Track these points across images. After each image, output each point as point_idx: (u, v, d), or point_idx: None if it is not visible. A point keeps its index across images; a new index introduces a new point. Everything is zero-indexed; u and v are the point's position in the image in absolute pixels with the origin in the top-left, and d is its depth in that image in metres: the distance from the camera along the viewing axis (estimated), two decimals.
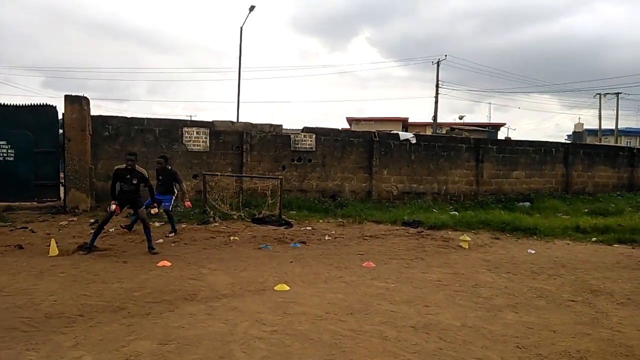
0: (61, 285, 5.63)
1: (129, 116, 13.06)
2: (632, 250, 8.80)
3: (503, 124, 48.20)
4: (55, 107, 11.35)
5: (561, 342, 4.26)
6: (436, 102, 36.61)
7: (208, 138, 13.28)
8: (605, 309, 5.25)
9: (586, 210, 13.99)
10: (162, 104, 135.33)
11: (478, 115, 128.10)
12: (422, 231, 10.27)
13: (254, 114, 66.03)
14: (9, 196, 10.93)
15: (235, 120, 24.12)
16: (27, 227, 9.38)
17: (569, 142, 19.18)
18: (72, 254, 7.37)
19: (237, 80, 26.41)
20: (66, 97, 11.16)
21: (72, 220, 10.22)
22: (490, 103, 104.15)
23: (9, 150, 10.83)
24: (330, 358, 3.77)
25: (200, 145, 13.20)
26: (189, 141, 13.11)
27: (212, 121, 13.61)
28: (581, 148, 18.78)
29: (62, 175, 11.55)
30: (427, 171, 15.78)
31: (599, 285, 6.20)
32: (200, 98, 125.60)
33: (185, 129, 13.17)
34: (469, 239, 9.00)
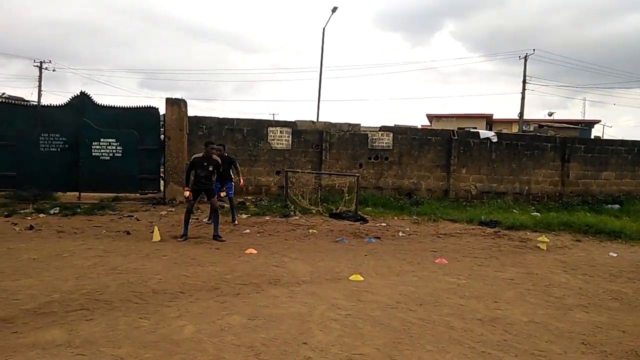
0: (165, 267, 6.49)
1: (220, 117, 14.16)
2: None
3: (598, 121, 45.06)
4: (158, 109, 12.64)
5: (629, 342, 4.33)
6: (523, 99, 35.22)
7: (290, 137, 14.04)
8: None
9: None
10: (247, 102, 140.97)
11: (572, 111, 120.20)
12: (499, 231, 10.24)
13: (335, 112, 67.31)
14: (117, 188, 12.34)
15: (315, 119, 24.94)
16: (132, 216, 10.60)
17: None
18: (173, 239, 8.33)
19: (319, 81, 27.17)
20: (167, 99, 12.41)
21: (171, 211, 11.37)
22: (584, 98, 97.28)
23: (117, 148, 12.23)
24: (398, 341, 4.16)
25: (283, 144, 14.00)
26: (273, 140, 13.95)
27: (295, 121, 14.35)
28: None
29: (161, 170, 12.84)
30: (508, 170, 15.46)
31: None
32: (281, 97, 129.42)
33: (270, 128, 14.02)
34: (547, 240, 8.90)
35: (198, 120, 13.50)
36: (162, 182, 12.81)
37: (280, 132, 13.99)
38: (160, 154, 12.70)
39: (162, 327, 4.29)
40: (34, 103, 30.95)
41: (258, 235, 9.16)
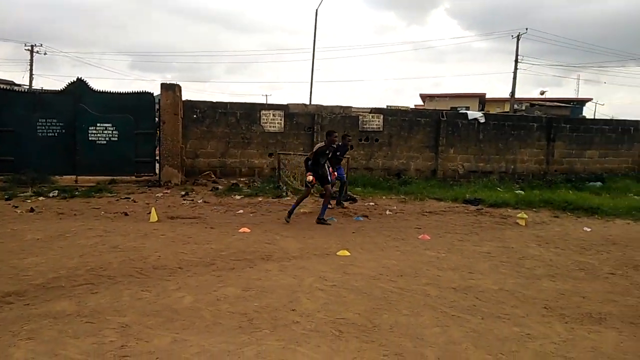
0: (163, 245, 6.86)
1: (214, 100, 14.44)
2: None
3: (589, 99, 45.45)
4: (152, 93, 12.95)
5: (587, 306, 4.78)
6: (515, 78, 35.53)
7: (283, 120, 14.37)
8: None
9: None
10: (240, 84, 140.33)
11: (566, 89, 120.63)
12: (482, 209, 10.70)
13: (329, 94, 67.42)
14: (113, 171, 12.67)
15: (308, 101, 25.18)
16: (129, 198, 10.96)
17: None
18: (170, 220, 8.72)
19: (311, 63, 27.28)
20: (162, 85, 12.70)
21: (166, 193, 11.74)
22: (578, 76, 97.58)
23: (114, 132, 12.54)
24: (377, 307, 4.59)
25: (275, 127, 14.33)
26: (266, 123, 14.27)
27: (287, 104, 14.65)
28: None
29: (157, 153, 13.17)
30: (495, 150, 15.90)
31: None
32: (275, 77, 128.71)
33: (263, 111, 14.33)
34: (525, 216, 9.36)
35: (192, 105, 13.78)
36: (157, 165, 13.15)
37: (273, 115, 14.31)
38: (155, 137, 13.01)
39: (163, 297, 4.69)
40: (26, 86, 30.93)
41: (251, 215, 9.56)
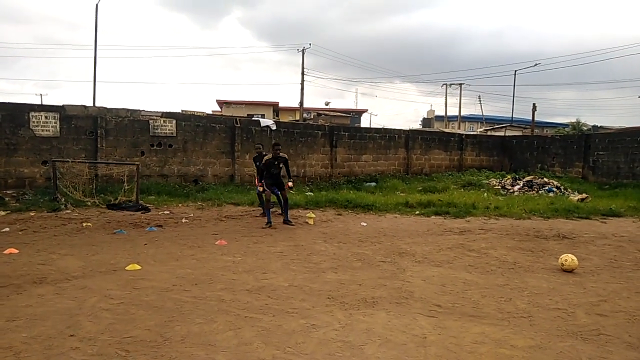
0: None
1: None
2: (443, 220, 10.70)
3: (365, 110, 51.81)
4: None
5: (362, 292, 5.41)
6: (302, 89, 38.23)
7: (58, 123, 12.76)
8: (404, 266, 6.60)
9: (420, 188, 16.23)
10: (9, 80, 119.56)
11: (348, 100, 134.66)
12: (276, 211, 11.22)
13: (120, 97, 62.32)
14: None
15: (91, 103, 22.90)
16: None
17: (409, 129, 21.68)
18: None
19: (94, 60, 24.90)
20: None
21: None
22: (356, 90, 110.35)
23: None
24: (170, 320, 4.41)
25: (49, 131, 12.64)
26: (37, 126, 12.48)
27: (63, 105, 13.07)
28: (419, 134, 21.44)
29: None
30: (287, 155, 16.81)
31: (406, 249, 7.66)
32: (52, 75, 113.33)
33: (33, 113, 12.49)
34: (314, 215, 10.17)
35: None
36: None
37: (46, 117, 12.61)
38: None
39: None
40: None
41: (20, 233, 8.26)
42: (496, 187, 16.82)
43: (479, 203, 12.46)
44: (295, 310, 4.72)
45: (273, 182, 9.90)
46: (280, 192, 9.97)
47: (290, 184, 10.16)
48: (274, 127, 16.63)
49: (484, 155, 23.23)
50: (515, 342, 4.00)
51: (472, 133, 30.36)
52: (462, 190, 16.16)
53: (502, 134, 30.04)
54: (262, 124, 16.56)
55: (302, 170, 17.24)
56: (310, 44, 41.99)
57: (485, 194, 14.85)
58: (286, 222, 9.75)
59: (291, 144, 16.95)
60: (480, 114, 48.66)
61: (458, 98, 46.34)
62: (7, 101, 12.73)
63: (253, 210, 11.35)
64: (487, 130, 36.93)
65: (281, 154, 9.97)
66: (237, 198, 12.74)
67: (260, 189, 10.09)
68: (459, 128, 44.03)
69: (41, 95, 76.52)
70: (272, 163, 9.81)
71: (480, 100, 49.07)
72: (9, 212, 9.84)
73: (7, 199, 11.05)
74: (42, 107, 13.20)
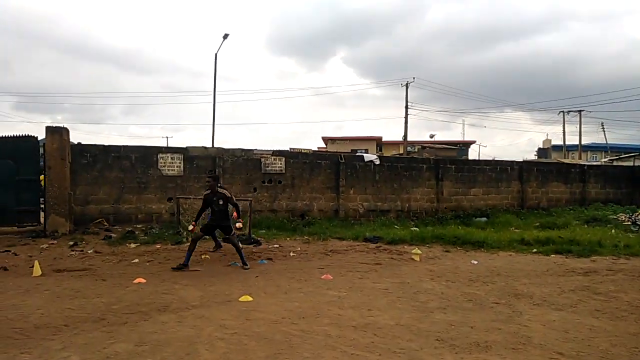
0: (47, 301, 6.28)
1: (106, 144, 13.71)
2: (564, 259, 9.82)
3: (474, 142, 50.02)
4: (36, 137, 12.07)
5: (474, 335, 5.12)
6: (406, 123, 38.16)
7: (182, 163, 14.03)
8: (521, 309, 6.15)
9: (537, 224, 15.11)
10: (140, 125, 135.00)
11: (454, 132, 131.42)
12: (381, 246, 11.16)
13: (233, 137, 66.99)
14: None
15: (210, 143, 24.92)
16: (9, 251, 9.92)
17: (523, 160, 20.46)
18: (55, 273, 8.00)
19: (213, 106, 27.21)
20: (47, 128, 11.87)
21: (52, 243, 10.79)
22: (463, 121, 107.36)
23: None
24: (279, 352, 4.55)
25: (174, 170, 13.94)
26: (164, 166, 13.83)
27: (186, 147, 14.37)
28: (535, 165, 20.12)
29: (42, 200, 12.14)
30: (390, 190, 16.77)
31: (522, 290, 7.13)
32: (177, 119, 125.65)
33: (160, 155, 13.90)
34: (420, 252, 9.92)
35: (82, 148, 13.01)
36: (42, 213, 12.11)
37: (172, 158, 13.93)
38: (39, 184, 12.04)
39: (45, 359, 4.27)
40: None
41: (148, 264, 9.09)
42: (626, 223, 15.14)
43: (606, 241, 11.29)
44: (402, 351, 4.61)
45: (217, 223, 8.62)
46: (228, 236, 8.64)
47: (239, 224, 8.81)
48: (377, 162, 16.70)
49: (610, 188, 21.11)
50: None
51: (595, 163, 27.87)
52: (586, 226, 14.76)
53: (630, 163, 27.11)
54: (366, 159, 16.73)
55: (407, 205, 17.00)
56: (414, 78, 41.77)
57: (613, 231, 13.42)
58: (244, 265, 8.60)
59: (395, 178, 16.86)
60: (604, 142, 44.56)
61: (577, 126, 43.06)
62: (138, 144, 14.31)
63: (357, 245, 11.37)
64: (612, 160, 33.57)
65: (221, 190, 8.52)
66: (341, 232, 12.88)
67: (191, 228, 8.69)
68: (579, 158, 40.66)
69: (167, 138, 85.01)
70: (212, 199, 8.45)
71: (603, 128, 45.06)
72: (138, 244, 10.91)
73: (137, 232, 12.28)
74: (168, 149, 14.64)
